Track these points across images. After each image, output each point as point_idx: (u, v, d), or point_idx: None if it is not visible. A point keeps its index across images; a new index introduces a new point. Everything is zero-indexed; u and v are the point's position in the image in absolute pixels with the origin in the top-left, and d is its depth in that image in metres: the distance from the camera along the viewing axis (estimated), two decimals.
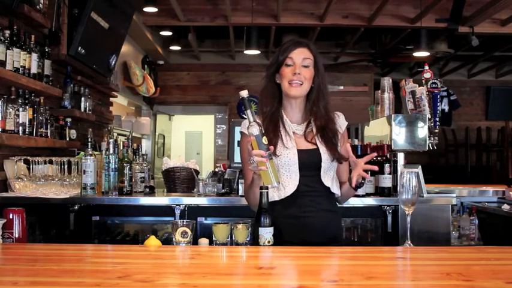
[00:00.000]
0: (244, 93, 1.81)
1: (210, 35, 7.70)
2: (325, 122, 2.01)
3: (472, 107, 9.14)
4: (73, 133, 3.72)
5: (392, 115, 3.07)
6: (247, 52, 6.52)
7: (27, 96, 3.04)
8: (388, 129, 3.09)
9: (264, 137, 1.79)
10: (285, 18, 5.88)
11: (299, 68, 1.96)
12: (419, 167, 2.80)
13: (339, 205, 2.10)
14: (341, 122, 2.08)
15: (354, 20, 5.90)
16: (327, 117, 2.02)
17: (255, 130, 1.78)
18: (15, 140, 2.90)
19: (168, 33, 6.73)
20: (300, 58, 1.97)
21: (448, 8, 5.48)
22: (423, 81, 3.17)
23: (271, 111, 2.01)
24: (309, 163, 1.95)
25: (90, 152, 2.93)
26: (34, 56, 3.08)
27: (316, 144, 1.99)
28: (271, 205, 1.86)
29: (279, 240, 1.79)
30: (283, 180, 1.96)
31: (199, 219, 2.91)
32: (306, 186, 1.95)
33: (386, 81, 3.27)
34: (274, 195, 1.96)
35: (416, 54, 6.35)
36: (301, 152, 1.96)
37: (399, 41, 6.96)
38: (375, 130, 3.39)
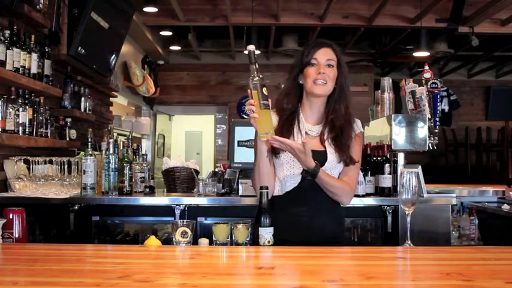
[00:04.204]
0: (251, 47, 1.86)
1: (210, 35, 7.69)
2: (344, 122, 2.02)
3: (472, 107, 9.13)
4: (73, 133, 3.71)
5: (392, 115, 3.07)
6: (247, 52, 6.51)
7: (27, 96, 3.04)
8: (388, 129, 3.09)
9: (265, 88, 1.83)
10: (285, 18, 5.87)
11: (323, 67, 1.98)
12: (419, 167, 2.80)
13: (343, 205, 2.09)
14: (356, 127, 2.08)
15: (354, 20, 5.90)
16: (346, 117, 2.03)
17: (255, 81, 1.83)
18: (15, 140, 2.89)
19: (168, 33, 6.73)
20: (324, 58, 2.00)
21: (448, 8, 5.48)
22: (423, 81, 3.17)
23: (291, 109, 2.05)
24: None
25: (90, 152, 2.93)
26: (34, 56, 3.08)
27: (325, 146, 2.01)
28: (272, 201, 1.86)
29: (278, 238, 1.79)
30: (286, 175, 1.97)
31: (199, 219, 2.91)
32: (307, 185, 1.96)
33: (387, 81, 3.27)
34: (276, 189, 1.99)
35: (416, 54, 6.35)
36: None
37: (399, 41, 6.95)
38: (375, 130, 3.39)
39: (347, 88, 2.05)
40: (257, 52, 6.60)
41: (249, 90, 1.86)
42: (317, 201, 1.99)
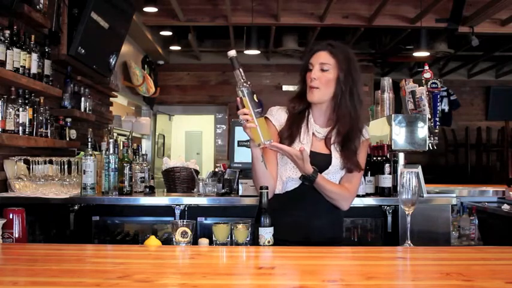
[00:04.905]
0: (232, 53, 1.81)
1: (210, 35, 7.69)
2: (349, 127, 1.98)
3: (472, 107, 9.13)
4: (73, 133, 3.72)
5: (392, 115, 3.07)
6: (247, 52, 6.51)
7: (27, 96, 3.04)
8: (388, 129, 3.09)
9: (255, 95, 1.80)
10: (285, 18, 5.87)
11: (316, 73, 1.95)
12: (419, 167, 2.79)
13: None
14: (365, 132, 2.06)
15: (354, 20, 5.90)
16: (352, 123, 1.98)
17: (245, 90, 1.80)
18: (15, 140, 2.89)
19: (168, 33, 6.73)
20: (317, 63, 1.96)
21: (448, 8, 5.48)
22: (423, 81, 3.17)
23: (300, 109, 2.04)
24: (316, 166, 1.93)
25: (90, 152, 2.93)
26: (34, 56, 3.08)
27: (330, 150, 2.00)
28: (273, 200, 1.85)
29: (278, 238, 1.79)
30: (288, 176, 1.97)
31: (199, 219, 2.91)
32: (308, 186, 1.95)
33: (387, 81, 3.27)
34: (278, 188, 1.99)
35: (416, 54, 6.35)
36: (313, 154, 1.96)
37: (399, 41, 6.95)
38: (375, 130, 3.39)
39: (354, 92, 1.96)
40: (257, 52, 6.67)
41: (238, 99, 1.81)
42: (317, 202, 1.98)
